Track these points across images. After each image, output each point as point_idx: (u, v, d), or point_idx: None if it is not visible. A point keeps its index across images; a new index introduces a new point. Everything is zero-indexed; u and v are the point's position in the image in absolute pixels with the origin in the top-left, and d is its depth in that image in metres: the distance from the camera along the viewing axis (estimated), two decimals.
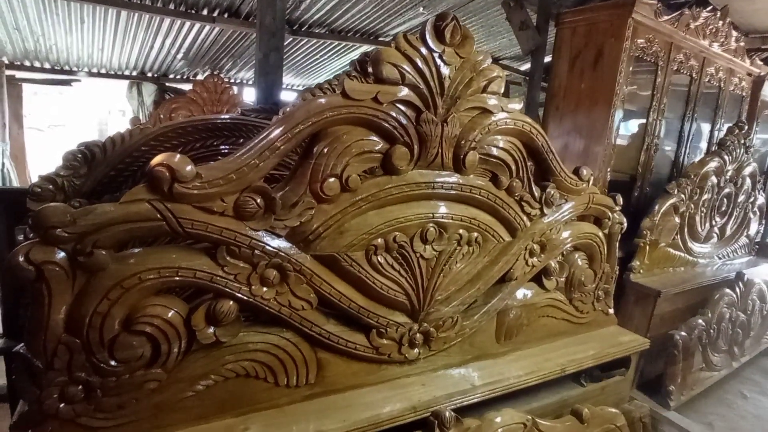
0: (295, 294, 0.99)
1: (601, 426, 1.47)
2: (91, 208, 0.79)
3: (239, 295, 0.93)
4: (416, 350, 1.20)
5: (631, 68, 2.57)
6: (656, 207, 2.48)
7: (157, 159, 0.83)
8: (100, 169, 1.18)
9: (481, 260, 1.25)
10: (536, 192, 1.32)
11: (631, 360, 1.62)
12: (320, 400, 1.07)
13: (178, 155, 0.85)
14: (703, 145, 3.47)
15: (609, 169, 2.67)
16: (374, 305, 1.10)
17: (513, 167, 1.25)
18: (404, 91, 1.03)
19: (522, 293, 1.40)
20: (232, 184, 0.88)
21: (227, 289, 0.91)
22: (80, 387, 0.83)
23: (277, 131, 0.92)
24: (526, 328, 1.42)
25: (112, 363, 0.84)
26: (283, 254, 0.95)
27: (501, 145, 1.22)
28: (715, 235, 2.95)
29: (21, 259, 0.75)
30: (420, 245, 1.12)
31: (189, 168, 0.84)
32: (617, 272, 1.69)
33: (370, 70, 1.00)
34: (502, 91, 1.21)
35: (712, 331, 2.40)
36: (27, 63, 5.67)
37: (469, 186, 1.17)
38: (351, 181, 0.99)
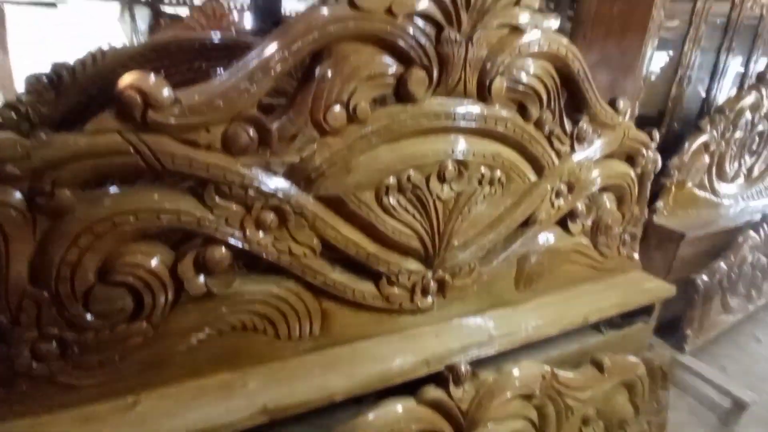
0: (296, 240, 0.87)
1: (621, 375, 1.41)
2: (49, 139, 0.66)
3: (232, 241, 0.81)
4: (430, 299, 1.10)
5: None
6: (687, 145, 2.30)
7: (126, 80, 0.69)
8: (70, 95, 1.03)
9: (504, 202, 1.12)
10: (568, 126, 1.16)
11: (655, 308, 1.53)
12: (326, 353, 0.99)
13: (153, 76, 0.70)
14: (735, 79, 3.20)
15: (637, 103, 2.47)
16: (385, 251, 0.99)
17: (544, 97, 1.08)
18: (423, 2, 0.86)
19: (545, 237, 1.28)
20: (218, 112, 0.74)
21: (217, 235, 0.80)
22: (54, 344, 0.74)
23: (272, 48, 0.76)
24: (547, 274, 1.32)
25: (89, 317, 0.75)
26: (281, 195, 0.83)
27: (532, 70, 1.05)
28: (742, 175, 2.78)
29: None
30: (437, 185, 0.99)
31: (166, 92, 0.70)
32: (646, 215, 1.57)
33: None
34: (537, 5, 1.02)
35: (733, 274, 2.31)
36: None
37: (494, 118, 1.02)
38: (359, 109, 0.84)
